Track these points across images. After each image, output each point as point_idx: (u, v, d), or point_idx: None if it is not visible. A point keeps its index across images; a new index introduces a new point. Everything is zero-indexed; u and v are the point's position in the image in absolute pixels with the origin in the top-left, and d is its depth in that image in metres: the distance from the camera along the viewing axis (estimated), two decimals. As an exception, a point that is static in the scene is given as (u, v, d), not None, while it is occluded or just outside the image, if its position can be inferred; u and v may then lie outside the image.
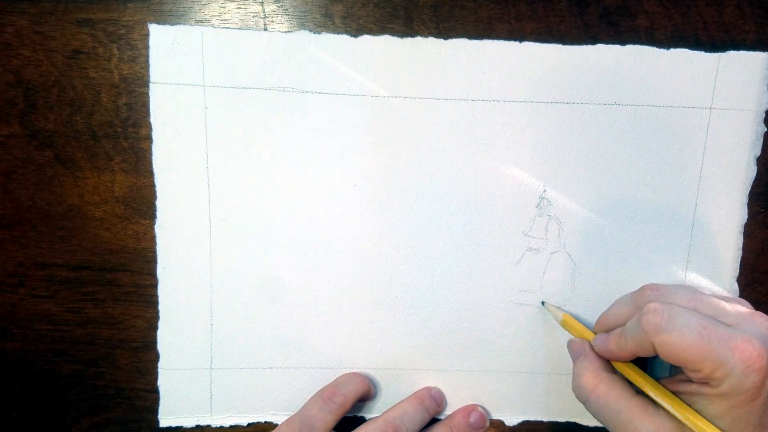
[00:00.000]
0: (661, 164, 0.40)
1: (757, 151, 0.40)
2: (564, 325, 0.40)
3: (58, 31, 0.38)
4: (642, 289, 0.37)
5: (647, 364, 0.40)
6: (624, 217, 0.41)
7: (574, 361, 0.39)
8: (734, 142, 0.40)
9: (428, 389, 0.42)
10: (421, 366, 0.42)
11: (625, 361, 0.37)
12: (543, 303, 0.41)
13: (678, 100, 0.39)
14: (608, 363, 0.38)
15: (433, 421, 0.42)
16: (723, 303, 0.35)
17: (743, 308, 0.35)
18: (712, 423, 0.33)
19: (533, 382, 0.43)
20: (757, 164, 0.40)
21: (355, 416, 0.43)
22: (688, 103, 0.39)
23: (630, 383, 0.37)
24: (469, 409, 0.42)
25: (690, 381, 0.34)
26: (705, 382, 0.33)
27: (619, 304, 0.38)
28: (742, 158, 0.40)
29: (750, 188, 0.40)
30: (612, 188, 0.40)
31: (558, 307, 0.41)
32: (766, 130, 0.40)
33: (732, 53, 0.39)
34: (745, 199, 0.40)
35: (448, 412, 0.43)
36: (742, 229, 0.41)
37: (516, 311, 0.42)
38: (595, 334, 0.39)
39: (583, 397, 0.37)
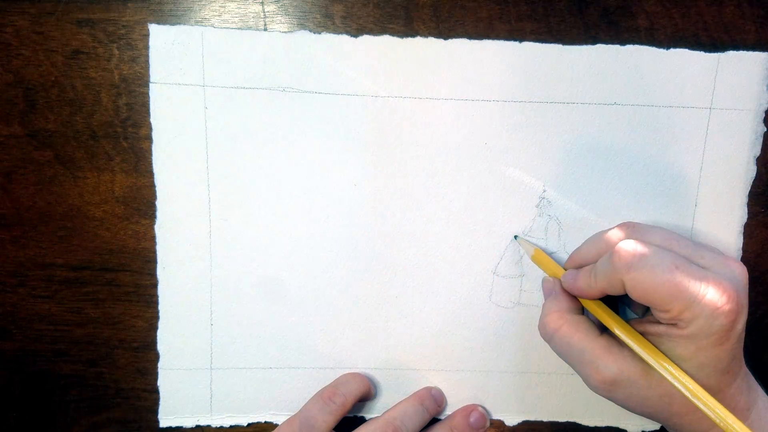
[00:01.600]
0: (660, 164, 0.40)
1: (757, 151, 0.40)
2: (535, 260, 0.40)
3: (58, 31, 0.38)
4: (617, 226, 0.37)
5: (617, 307, 0.40)
6: (624, 217, 0.41)
7: (545, 299, 0.38)
8: (734, 142, 0.40)
9: (428, 389, 0.42)
10: (421, 366, 0.42)
11: (593, 299, 0.36)
12: (516, 237, 0.41)
13: (678, 100, 0.39)
14: (576, 303, 0.37)
15: (434, 421, 0.42)
16: (698, 245, 0.35)
17: (718, 252, 0.35)
18: (679, 366, 0.33)
19: (533, 382, 0.43)
20: (757, 164, 0.40)
21: (355, 416, 0.43)
22: (688, 103, 0.39)
23: (596, 325, 0.36)
24: (469, 409, 0.42)
25: (658, 322, 0.34)
26: (673, 323, 0.32)
27: (592, 241, 0.38)
28: (742, 158, 0.40)
29: (750, 188, 0.40)
30: (612, 188, 0.40)
31: (530, 242, 0.41)
32: (765, 130, 0.40)
33: (732, 53, 0.39)
34: (745, 199, 0.40)
35: (448, 412, 0.43)
36: (741, 229, 0.41)
37: (516, 311, 0.42)
38: (564, 268, 0.39)
39: (547, 336, 0.37)
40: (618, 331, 0.35)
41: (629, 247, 0.33)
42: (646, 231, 0.36)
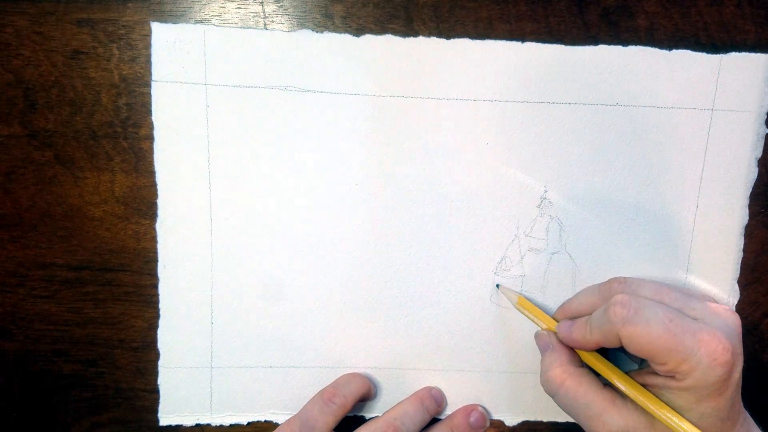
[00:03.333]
0: (662, 165, 0.40)
1: (759, 153, 0.40)
2: (519, 308, 0.40)
3: (58, 31, 0.38)
4: (609, 281, 0.37)
5: (614, 355, 0.40)
6: (625, 217, 0.41)
7: (542, 353, 0.39)
8: (735, 144, 0.40)
9: (428, 389, 0.42)
10: (421, 366, 0.43)
11: (589, 350, 0.37)
12: (498, 286, 0.41)
13: (679, 102, 0.39)
14: (575, 355, 0.38)
15: (434, 420, 0.42)
16: (688, 296, 0.35)
17: (709, 302, 0.35)
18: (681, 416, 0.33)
19: (533, 382, 0.43)
20: (759, 165, 0.40)
21: (355, 416, 0.43)
22: (690, 104, 0.39)
23: (597, 375, 0.37)
24: (470, 409, 0.42)
25: (656, 374, 0.34)
26: (671, 376, 0.33)
27: (585, 293, 0.38)
28: (743, 159, 0.40)
29: (751, 189, 0.40)
30: (613, 189, 0.40)
31: (513, 290, 0.41)
32: (767, 131, 0.40)
33: (734, 54, 0.39)
34: (746, 201, 0.40)
35: (448, 412, 0.43)
36: (742, 230, 0.41)
37: (516, 311, 0.42)
38: (555, 320, 0.39)
39: (551, 392, 0.37)
40: (620, 385, 0.35)
41: (624, 301, 0.33)
42: (638, 285, 0.36)
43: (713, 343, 0.32)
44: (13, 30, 0.38)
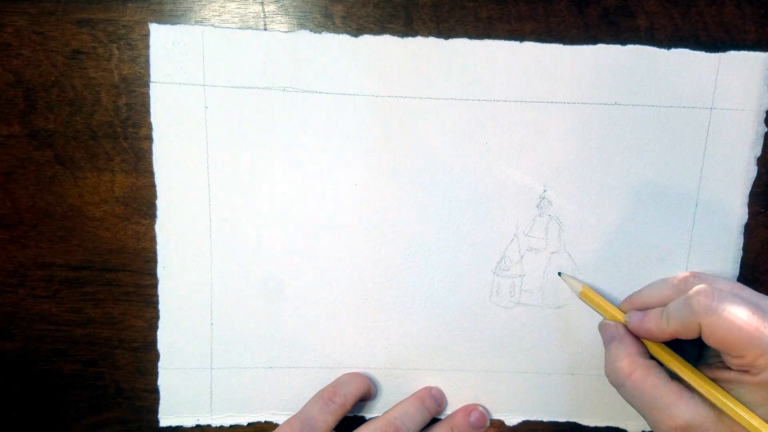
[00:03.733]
0: (661, 164, 0.40)
1: (758, 152, 0.40)
2: (583, 297, 0.40)
3: (58, 31, 0.38)
4: (683, 274, 0.38)
5: (680, 351, 0.40)
6: (624, 217, 0.41)
7: (607, 343, 0.38)
8: (735, 143, 0.40)
9: (429, 389, 0.42)
10: (421, 366, 0.42)
11: (659, 342, 0.36)
12: (560, 274, 0.41)
13: (678, 100, 0.39)
14: (643, 347, 0.37)
15: (434, 420, 0.42)
16: (762, 296, 0.35)
17: None
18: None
19: (533, 382, 0.43)
20: (758, 164, 0.40)
21: (356, 416, 0.43)
22: (689, 103, 0.39)
23: (664, 369, 0.36)
24: (470, 409, 0.42)
25: (727, 368, 0.34)
26: (745, 370, 0.33)
27: (656, 286, 0.38)
28: (743, 158, 0.40)
29: (750, 188, 0.40)
30: (612, 188, 0.40)
31: (577, 280, 0.41)
32: (766, 130, 0.40)
33: (733, 53, 0.39)
34: (746, 200, 0.40)
35: (448, 411, 0.43)
36: (742, 230, 0.41)
37: (516, 311, 0.42)
38: (621, 309, 0.39)
39: (618, 382, 0.37)
40: (689, 379, 0.35)
41: (707, 291, 0.33)
42: (714, 279, 0.36)
43: None
44: (13, 30, 0.38)
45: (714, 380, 0.35)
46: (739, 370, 0.33)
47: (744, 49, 0.39)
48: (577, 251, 0.41)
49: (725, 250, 0.41)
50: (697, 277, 0.37)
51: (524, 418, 0.43)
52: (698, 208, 0.40)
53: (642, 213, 0.41)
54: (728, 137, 0.40)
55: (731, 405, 0.33)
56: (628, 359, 0.36)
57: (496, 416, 0.43)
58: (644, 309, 0.38)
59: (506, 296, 0.42)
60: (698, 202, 0.40)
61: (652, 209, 0.41)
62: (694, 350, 0.39)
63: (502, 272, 0.41)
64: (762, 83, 0.39)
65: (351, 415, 0.42)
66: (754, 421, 0.32)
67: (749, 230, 0.41)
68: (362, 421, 0.42)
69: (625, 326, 0.38)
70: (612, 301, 0.40)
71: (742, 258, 0.41)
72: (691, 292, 0.34)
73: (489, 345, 0.42)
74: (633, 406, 0.36)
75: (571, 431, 0.43)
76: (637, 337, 0.38)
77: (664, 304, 0.36)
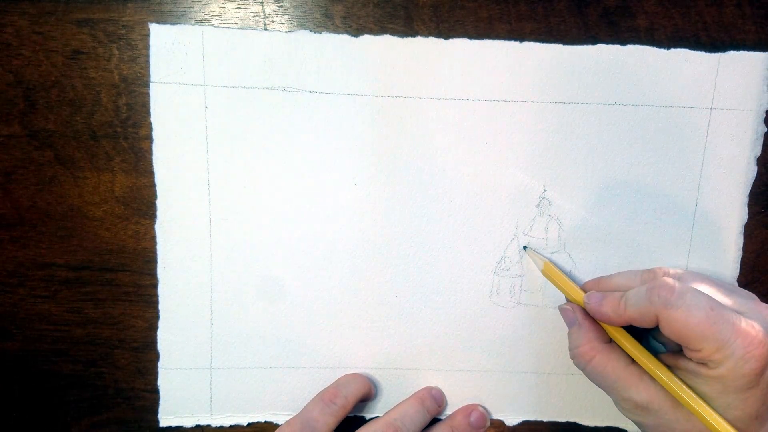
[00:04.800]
0: (661, 164, 0.40)
1: (758, 151, 0.40)
2: (545, 273, 0.40)
3: (58, 31, 0.38)
4: (653, 268, 0.38)
5: (644, 336, 0.40)
6: (624, 217, 0.41)
7: (569, 327, 0.39)
8: (734, 143, 0.40)
9: (428, 389, 0.42)
10: (421, 366, 0.42)
11: (615, 326, 0.37)
12: (524, 248, 0.41)
13: (678, 100, 0.39)
14: (602, 331, 0.37)
15: (434, 421, 0.42)
16: (732, 291, 0.35)
17: (751, 297, 0.35)
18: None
19: (533, 382, 0.43)
20: (758, 164, 0.40)
21: (356, 416, 0.43)
22: (689, 103, 0.39)
23: (625, 353, 0.37)
24: (470, 409, 0.42)
25: (688, 358, 0.34)
26: (703, 363, 0.33)
27: (625, 274, 0.39)
28: (743, 158, 0.40)
29: (750, 188, 0.40)
30: (612, 188, 0.40)
31: (540, 255, 0.41)
32: (766, 130, 0.40)
33: (732, 53, 0.39)
34: (746, 199, 0.40)
35: (448, 411, 0.43)
36: (742, 229, 0.41)
37: (516, 311, 0.42)
38: (583, 289, 0.39)
39: (581, 366, 0.37)
40: (647, 366, 0.35)
41: (669, 284, 0.33)
42: (682, 274, 0.37)
43: (750, 335, 0.32)
44: (13, 30, 0.38)
45: (674, 367, 0.35)
46: (697, 362, 0.33)
47: (744, 49, 0.39)
48: (577, 251, 0.41)
49: (725, 250, 0.41)
50: (666, 272, 0.37)
51: (524, 418, 0.43)
52: (698, 208, 0.40)
53: (642, 213, 0.41)
54: (728, 137, 0.40)
55: (684, 394, 0.33)
56: (588, 345, 0.37)
57: (496, 416, 0.43)
58: (606, 291, 0.38)
59: (506, 296, 0.42)
60: (698, 201, 0.40)
61: (652, 209, 0.41)
62: (656, 335, 0.39)
63: (502, 272, 0.41)
64: (762, 83, 0.39)
65: (351, 415, 0.42)
66: (706, 409, 0.33)
67: (749, 230, 0.41)
68: (362, 421, 0.42)
69: (584, 310, 0.38)
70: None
71: (742, 258, 0.41)
72: (651, 283, 0.34)
73: (489, 345, 0.42)
74: (597, 385, 0.37)
75: (571, 431, 0.43)
76: (597, 322, 0.38)
77: (626, 290, 0.36)
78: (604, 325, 0.37)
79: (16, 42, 0.38)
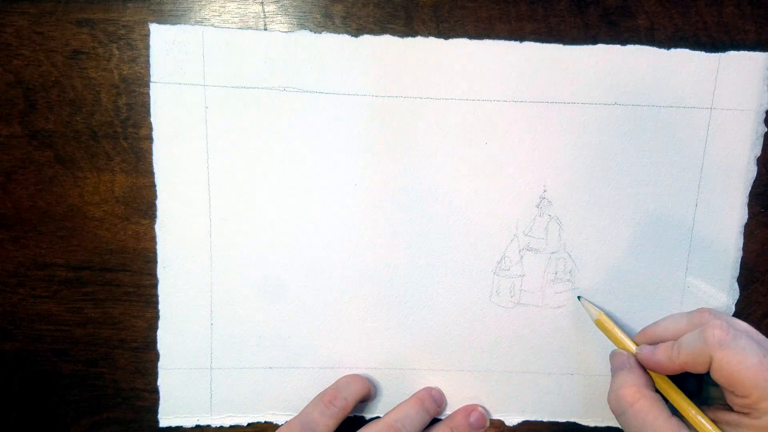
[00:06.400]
0: (661, 164, 0.40)
1: (758, 152, 0.40)
2: (598, 324, 0.40)
3: (58, 31, 0.38)
4: (699, 310, 0.37)
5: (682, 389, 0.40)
6: (624, 216, 0.41)
7: (615, 371, 0.38)
8: (735, 143, 0.40)
9: (428, 390, 0.42)
10: (421, 366, 0.42)
11: (668, 374, 0.37)
12: (579, 298, 0.41)
13: (678, 100, 0.39)
14: (650, 380, 0.37)
15: (434, 421, 0.42)
16: None
17: None
18: None
19: (533, 382, 0.43)
20: (758, 164, 0.40)
21: (355, 416, 0.43)
22: (689, 103, 0.39)
23: (666, 404, 0.36)
24: (470, 409, 0.42)
25: (729, 410, 0.34)
26: (746, 412, 0.33)
27: (670, 320, 0.38)
28: (743, 158, 0.40)
29: (750, 188, 0.40)
30: (612, 188, 0.40)
31: (594, 305, 0.41)
32: (766, 130, 0.40)
33: (732, 53, 0.39)
34: (746, 200, 0.40)
35: (448, 412, 0.43)
36: (742, 229, 0.41)
37: (516, 311, 0.42)
38: (633, 341, 0.39)
39: (619, 410, 0.36)
40: (692, 415, 0.35)
41: (723, 325, 0.33)
42: (729, 318, 0.36)
43: None
44: (13, 30, 0.38)
45: (714, 421, 0.35)
46: (740, 412, 0.33)
47: (744, 49, 0.39)
48: (577, 251, 0.41)
49: (725, 250, 0.41)
50: (713, 314, 0.37)
51: (524, 418, 0.43)
52: (698, 207, 0.40)
53: (642, 213, 0.41)
54: (728, 137, 0.40)
55: None
56: (635, 388, 0.36)
57: (496, 416, 0.43)
58: (657, 342, 0.38)
59: (506, 296, 0.42)
60: (698, 202, 0.40)
61: (651, 209, 0.41)
62: (696, 390, 0.39)
63: (502, 272, 0.41)
64: (762, 83, 0.39)
65: (351, 415, 0.42)
66: None
67: (749, 230, 0.41)
68: (362, 421, 0.42)
69: (635, 358, 0.38)
70: (626, 325, 0.40)
71: (742, 258, 0.41)
72: (708, 324, 0.34)
73: (489, 345, 0.42)
74: None
75: (571, 431, 0.43)
76: (646, 371, 0.38)
77: (676, 338, 0.36)
78: (652, 375, 0.37)
79: (16, 42, 0.38)
